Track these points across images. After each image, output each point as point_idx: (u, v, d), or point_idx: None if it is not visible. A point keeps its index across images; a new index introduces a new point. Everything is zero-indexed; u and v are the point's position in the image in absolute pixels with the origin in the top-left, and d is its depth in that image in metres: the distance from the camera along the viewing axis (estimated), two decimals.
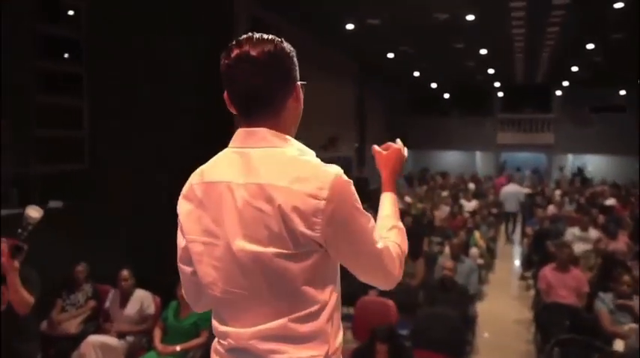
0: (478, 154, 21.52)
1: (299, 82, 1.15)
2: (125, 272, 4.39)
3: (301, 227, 1.00)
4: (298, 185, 1.01)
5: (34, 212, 3.02)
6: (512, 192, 11.01)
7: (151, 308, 4.39)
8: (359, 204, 1.07)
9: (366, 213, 1.09)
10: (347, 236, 1.05)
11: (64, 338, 4.26)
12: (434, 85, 18.37)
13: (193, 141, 5.48)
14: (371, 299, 4.61)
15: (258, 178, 1.03)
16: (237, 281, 1.06)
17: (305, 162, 1.06)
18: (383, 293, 4.93)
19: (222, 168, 1.10)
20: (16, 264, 3.00)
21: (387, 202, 1.31)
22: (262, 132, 1.09)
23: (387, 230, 1.22)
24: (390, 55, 12.08)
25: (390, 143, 1.39)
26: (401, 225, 1.26)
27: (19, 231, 2.99)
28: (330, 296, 1.07)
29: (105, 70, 5.29)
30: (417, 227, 8.16)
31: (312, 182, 1.01)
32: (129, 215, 5.38)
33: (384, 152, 1.39)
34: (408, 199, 11.51)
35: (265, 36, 1.10)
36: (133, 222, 5.38)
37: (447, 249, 6.90)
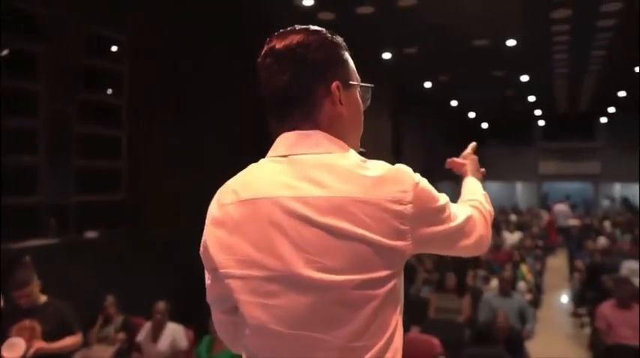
0: (519, 185, 20.85)
1: (353, 83, 0.98)
2: (161, 305, 4.27)
3: (390, 240, 0.84)
4: (377, 192, 0.84)
5: (8, 352, 2.75)
6: (562, 210, 14.36)
7: (184, 343, 4.24)
8: (438, 195, 0.96)
9: (442, 194, 0.97)
10: (436, 234, 0.93)
11: None
12: (472, 115, 18.03)
13: (232, 173, 5.42)
14: (414, 337, 4.30)
15: (322, 190, 0.84)
16: (299, 322, 0.84)
17: (373, 165, 0.89)
18: (426, 330, 4.63)
19: (264, 181, 0.89)
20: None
21: (472, 179, 1.29)
22: (317, 135, 0.91)
23: (473, 193, 1.18)
24: (428, 85, 11.94)
25: (466, 153, 1.42)
26: (485, 192, 1.21)
27: None
28: (399, 314, 0.92)
29: (144, 100, 5.35)
30: (460, 261, 7.83)
31: (392, 185, 0.86)
32: (165, 246, 5.31)
33: (461, 160, 1.40)
34: None
35: (300, 27, 0.94)
36: (169, 252, 5.31)
37: (492, 283, 6.53)
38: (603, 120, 18.45)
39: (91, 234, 4.94)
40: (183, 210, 5.40)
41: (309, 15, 6.87)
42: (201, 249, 0.93)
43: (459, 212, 1.00)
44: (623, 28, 7.54)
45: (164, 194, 5.41)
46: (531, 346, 5.76)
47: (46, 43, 4.57)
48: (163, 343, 4.20)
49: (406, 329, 4.49)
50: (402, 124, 14.58)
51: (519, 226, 11.77)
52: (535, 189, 20.23)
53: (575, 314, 7.54)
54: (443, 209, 0.95)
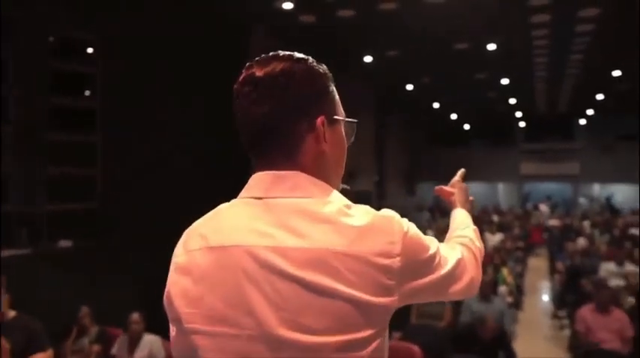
0: (500, 186, 21.08)
1: (337, 117, 0.89)
2: (136, 315, 4.16)
3: (374, 297, 0.75)
4: (362, 244, 0.76)
5: None
6: (545, 210, 16.29)
7: (162, 354, 4.14)
8: (428, 242, 0.88)
9: (431, 239, 0.90)
10: (425, 286, 0.86)
11: None
12: (454, 116, 18.17)
13: (209, 181, 5.33)
14: (393, 344, 4.27)
15: (300, 240, 0.76)
16: None
17: (358, 211, 0.81)
18: (408, 335, 4.60)
19: (235, 227, 0.80)
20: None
21: (461, 212, 1.22)
22: (296, 176, 0.82)
23: (463, 228, 1.12)
24: (410, 87, 11.98)
25: (455, 180, 1.33)
26: (475, 227, 1.16)
27: None
28: None
29: (119, 105, 5.23)
30: None
31: (378, 236, 0.78)
32: (141, 255, 5.20)
33: (450, 189, 1.31)
34: (429, 233, 11.22)
35: (283, 53, 0.86)
36: (146, 262, 5.20)
37: None
38: (582, 121, 18.79)
39: (64, 244, 4.80)
40: (159, 219, 5.30)
41: (289, 17, 6.81)
42: (164, 298, 0.84)
43: (449, 255, 0.94)
44: (601, 33, 7.65)
45: (140, 202, 5.30)
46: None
47: (14, 46, 4.44)
48: (140, 354, 4.10)
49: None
50: (384, 127, 14.62)
51: (501, 227, 11.87)
52: (516, 190, 20.49)
53: (555, 316, 7.62)
54: (433, 258, 0.87)
